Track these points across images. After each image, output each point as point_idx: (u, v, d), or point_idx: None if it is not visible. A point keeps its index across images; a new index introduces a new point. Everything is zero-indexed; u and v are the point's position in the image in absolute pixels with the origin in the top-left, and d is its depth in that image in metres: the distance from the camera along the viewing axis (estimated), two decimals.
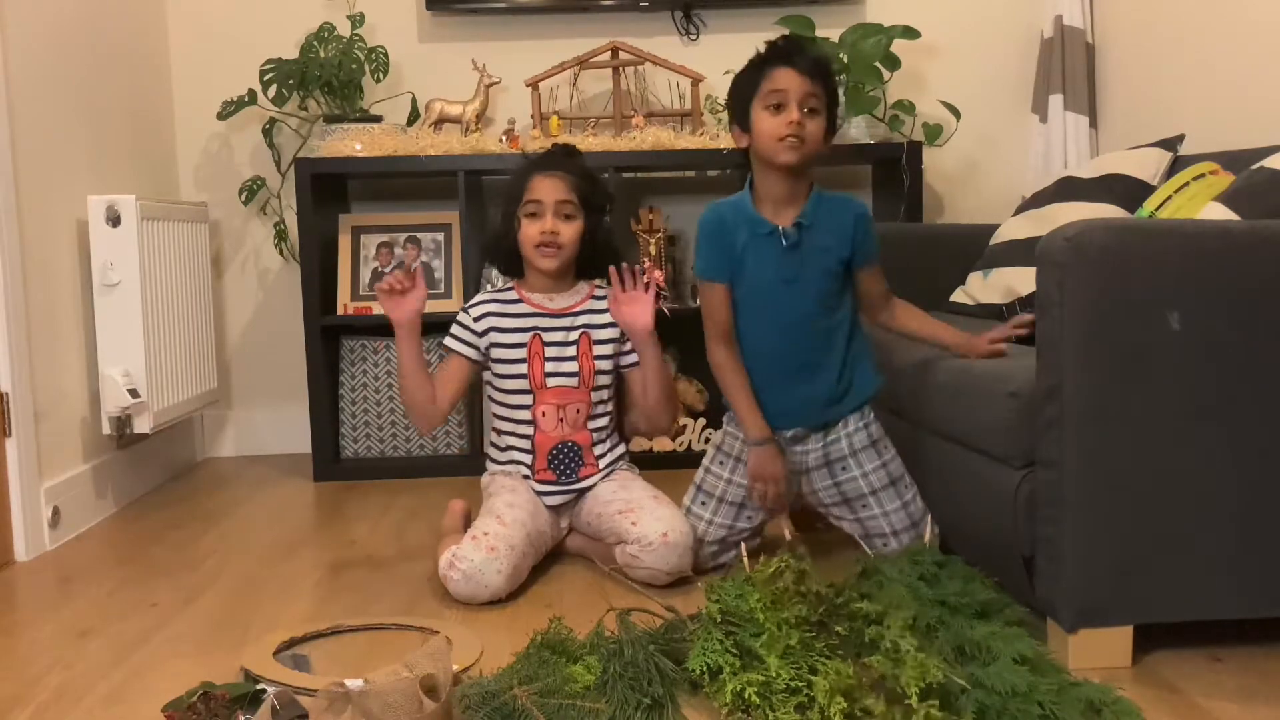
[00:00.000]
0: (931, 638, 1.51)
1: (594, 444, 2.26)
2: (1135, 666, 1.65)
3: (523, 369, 2.22)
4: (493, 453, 2.32)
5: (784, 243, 2.01)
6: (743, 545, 1.88)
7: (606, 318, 2.26)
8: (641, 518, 2.08)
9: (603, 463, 2.26)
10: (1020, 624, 1.61)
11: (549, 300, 2.26)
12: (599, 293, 2.29)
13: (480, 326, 2.24)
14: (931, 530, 2.00)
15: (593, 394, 2.25)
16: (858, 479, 2.06)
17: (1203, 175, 2.20)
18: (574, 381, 2.23)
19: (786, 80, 1.96)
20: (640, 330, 2.16)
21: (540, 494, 2.22)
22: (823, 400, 2.07)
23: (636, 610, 1.75)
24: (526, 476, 2.24)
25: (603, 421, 2.28)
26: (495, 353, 2.24)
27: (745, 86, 2.01)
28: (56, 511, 2.46)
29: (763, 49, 2.02)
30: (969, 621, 1.57)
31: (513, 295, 2.27)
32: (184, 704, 1.52)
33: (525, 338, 2.23)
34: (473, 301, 2.28)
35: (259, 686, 1.59)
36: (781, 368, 2.05)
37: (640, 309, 2.15)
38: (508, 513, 2.10)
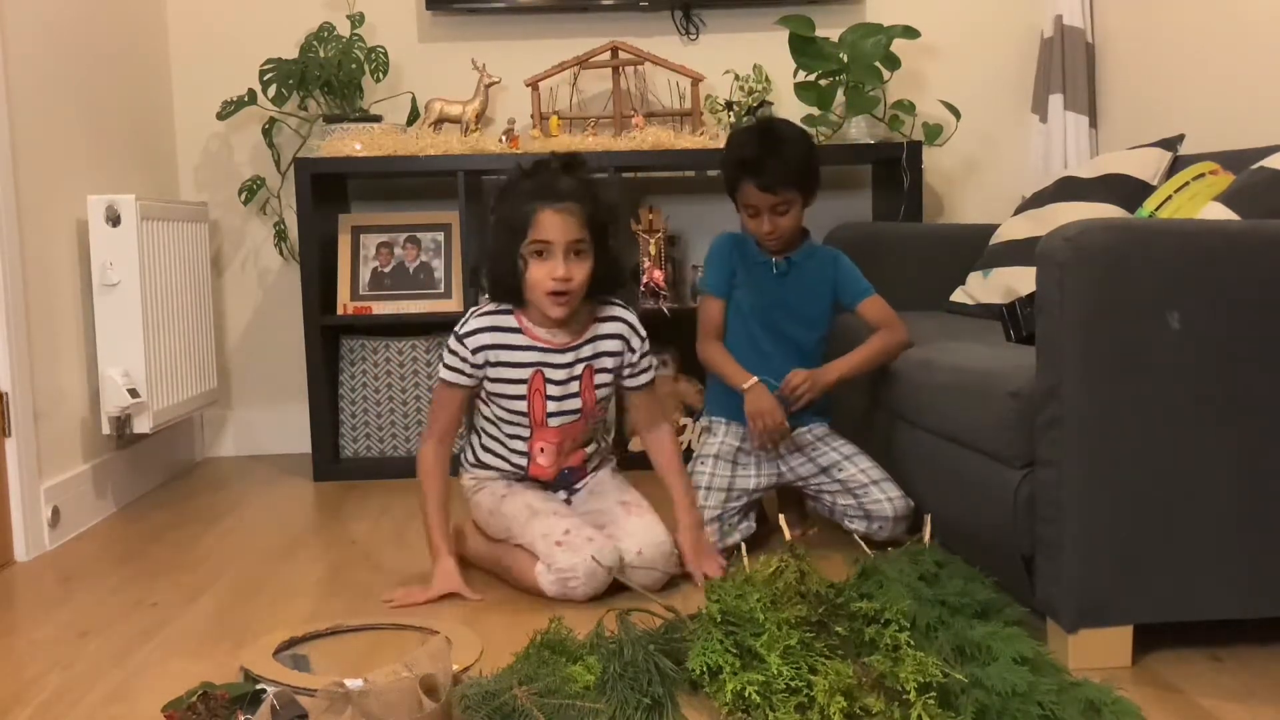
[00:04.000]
0: (931, 638, 1.51)
1: (586, 460, 2.22)
2: (1135, 666, 1.65)
3: (522, 405, 2.09)
4: (477, 461, 2.22)
5: (774, 272, 2.31)
6: (742, 546, 1.89)
7: (609, 345, 2.13)
8: (616, 532, 2.06)
9: (590, 465, 2.24)
10: (1020, 624, 1.60)
11: (552, 335, 2.08)
12: (602, 313, 2.13)
13: (478, 359, 2.07)
14: (927, 524, 2.01)
15: (590, 420, 2.17)
16: (828, 452, 2.30)
17: (1203, 175, 2.21)
18: (575, 417, 2.13)
19: (756, 198, 2.23)
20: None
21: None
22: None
23: (636, 610, 1.75)
24: (523, 478, 2.19)
25: (593, 434, 2.23)
26: (494, 373, 2.09)
27: (728, 183, 2.28)
28: (56, 511, 2.46)
29: (741, 146, 2.28)
30: (969, 621, 1.57)
31: (512, 323, 2.08)
32: (184, 704, 1.52)
33: (527, 373, 2.08)
34: (467, 328, 2.07)
35: (259, 686, 1.59)
36: (770, 374, 2.25)
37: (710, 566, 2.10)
38: (543, 504, 2.08)
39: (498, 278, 2.06)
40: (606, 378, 2.14)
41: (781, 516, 1.93)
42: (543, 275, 1.99)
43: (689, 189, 3.37)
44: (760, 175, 2.20)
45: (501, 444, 2.17)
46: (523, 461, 2.15)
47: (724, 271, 2.32)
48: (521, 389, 2.08)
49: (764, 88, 3.16)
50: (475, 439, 2.23)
